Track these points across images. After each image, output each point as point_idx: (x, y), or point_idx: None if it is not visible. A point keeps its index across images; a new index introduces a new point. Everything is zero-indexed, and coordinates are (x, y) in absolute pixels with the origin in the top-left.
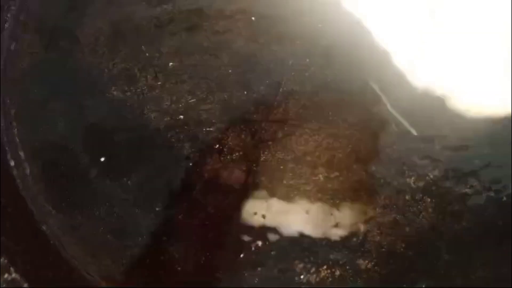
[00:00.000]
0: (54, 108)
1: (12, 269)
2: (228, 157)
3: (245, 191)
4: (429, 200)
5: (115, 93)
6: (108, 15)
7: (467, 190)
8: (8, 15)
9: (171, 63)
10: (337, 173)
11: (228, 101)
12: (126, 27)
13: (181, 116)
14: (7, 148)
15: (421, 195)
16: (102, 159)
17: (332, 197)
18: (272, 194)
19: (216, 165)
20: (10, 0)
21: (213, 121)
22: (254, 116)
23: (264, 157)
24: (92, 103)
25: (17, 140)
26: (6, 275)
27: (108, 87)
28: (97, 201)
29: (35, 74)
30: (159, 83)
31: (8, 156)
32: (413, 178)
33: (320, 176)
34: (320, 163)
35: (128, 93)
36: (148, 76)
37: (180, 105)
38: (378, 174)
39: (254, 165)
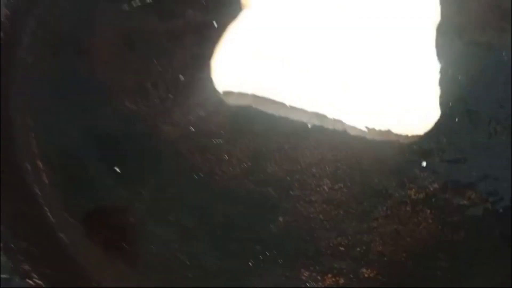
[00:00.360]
0: (68, 119)
1: (32, 274)
2: (237, 168)
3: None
4: (429, 211)
5: (127, 105)
6: (120, 27)
7: (465, 202)
8: (26, 30)
9: (182, 77)
10: (341, 185)
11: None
12: (137, 39)
13: (192, 128)
14: (25, 156)
15: (421, 206)
16: (117, 169)
17: (336, 208)
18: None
19: (225, 176)
20: (28, 16)
21: (222, 132)
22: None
23: (271, 168)
24: (106, 114)
25: (35, 150)
26: (27, 280)
27: (121, 99)
28: (111, 210)
29: (50, 86)
30: (171, 95)
31: (26, 165)
32: (413, 190)
33: (325, 187)
34: (325, 175)
35: (141, 105)
36: (160, 89)
37: (191, 118)
38: (380, 185)
39: (261, 175)
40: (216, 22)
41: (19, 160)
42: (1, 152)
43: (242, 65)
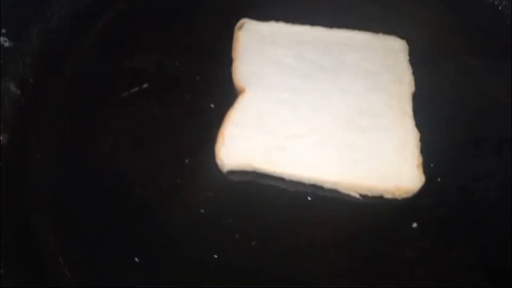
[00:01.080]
0: (82, 210)
1: None
2: (249, 245)
3: None
4: (423, 270)
5: (138, 192)
6: (122, 116)
7: (458, 257)
8: (34, 128)
9: (187, 160)
10: (342, 252)
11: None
12: (140, 126)
13: (202, 210)
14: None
15: (415, 265)
16: (136, 259)
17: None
18: None
19: (239, 254)
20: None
21: (230, 211)
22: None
23: (280, 242)
24: (117, 203)
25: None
26: None
27: (130, 188)
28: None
29: (61, 177)
30: (179, 180)
31: (46, 261)
32: (407, 249)
33: (329, 256)
34: (328, 243)
35: (151, 192)
36: (168, 174)
37: (200, 199)
38: (377, 248)
39: (271, 250)
40: (214, 106)
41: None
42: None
43: (243, 147)
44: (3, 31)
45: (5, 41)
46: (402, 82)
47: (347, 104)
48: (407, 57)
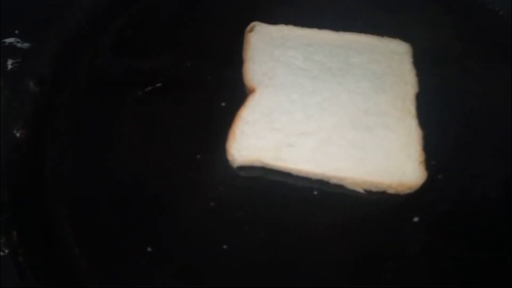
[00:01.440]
0: (97, 203)
1: None
2: (258, 237)
3: None
4: (425, 263)
5: (150, 188)
6: (136, 114)
7: (459, 252)
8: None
9: (198, 156)
10: (348, 245)
11: None
12: (153, 123)
13: (212, 204)
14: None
15: (418, 258)
16: (149, 248)
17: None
18: None
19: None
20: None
21: (240, 205)
22: None
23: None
24: (130, 197)
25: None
26: None
27: (143, 183)
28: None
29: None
30: (190, 174)
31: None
32: (409, 243)
33: (336, 250)
34: (334, 237)
35: (164, 186)
36: (180, 170)
37: (211, 193)
38: (381, 242)
39: (280, 243)
40: (225, 105)
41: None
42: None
43: (253, 144)
44: (16, 32)
45: (18, 42)
46: (406, 83)
47: (353, 104)
48: (411, 60)
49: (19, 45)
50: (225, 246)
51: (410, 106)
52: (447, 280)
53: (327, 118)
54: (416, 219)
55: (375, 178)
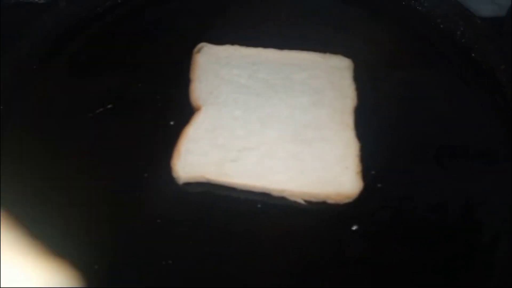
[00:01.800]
0: None
1: None
2: (203, 251)
3: None
4: (363, 270)
5: (98, 208)
6: (85, 136)
7: (397, 258)
8: None
9: (146, 174)
10: (290, 256)
11: None
12: (101, 144)
13: (158, 220)
14: None
15: (357, 266)
16: (95, 266)
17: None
18: None
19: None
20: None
21: (186, 220)
22: None
23: (230, 246)
24: (82, 218)
25: None
26: None
27: (90, 204)
28: None
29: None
30: (137, 193)
31: None
32: (348, 251)
33: (279, 260)
34: (278, 249)
35: (111, 206)
36: (128, 188)
37: (157, 211)
38: (322, 250)
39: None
40: (173, 123)
41: None
42: None
43: (197, 160)
44: None
45: None
46: (345, 97)
47: (293, 119)
48: (352, 74)
49: None
50: (170, 261)
51: (348, 119)
52: (385, 287)
53: (268, 133)
54: (355, 227)
55: (313, 189)
